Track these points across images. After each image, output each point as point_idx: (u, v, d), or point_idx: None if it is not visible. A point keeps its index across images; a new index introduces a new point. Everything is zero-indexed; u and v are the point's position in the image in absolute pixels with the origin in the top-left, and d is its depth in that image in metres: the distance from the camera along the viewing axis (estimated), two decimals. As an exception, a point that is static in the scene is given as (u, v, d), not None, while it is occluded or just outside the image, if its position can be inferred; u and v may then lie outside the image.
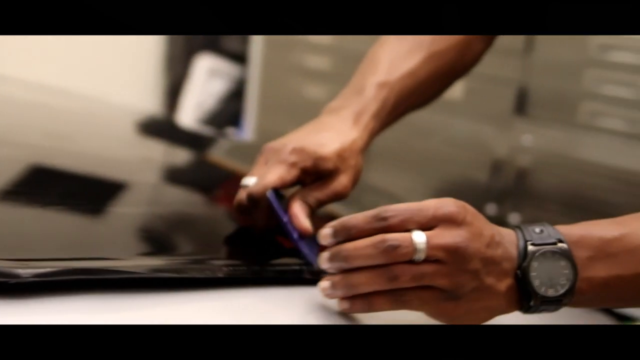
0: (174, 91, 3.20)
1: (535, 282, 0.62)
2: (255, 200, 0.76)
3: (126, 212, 0.97)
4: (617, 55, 2.23)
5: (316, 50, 2.82)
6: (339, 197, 0.79)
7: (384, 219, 0.59)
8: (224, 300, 0.68)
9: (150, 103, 3.21)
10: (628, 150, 2.21)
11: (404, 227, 0.59)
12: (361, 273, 0.59)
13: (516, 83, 2.40)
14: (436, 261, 0.60)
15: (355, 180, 0.80)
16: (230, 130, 3.03)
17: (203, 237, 0.94)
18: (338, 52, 2.76)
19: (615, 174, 2.24)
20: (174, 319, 0.64)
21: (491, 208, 2.46)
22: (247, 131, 2.97)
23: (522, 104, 2.42)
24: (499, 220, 2.55)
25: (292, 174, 0.77)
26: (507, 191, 2.43)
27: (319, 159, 0.78)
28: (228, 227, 0.95)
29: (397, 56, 0.84)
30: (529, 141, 2.39)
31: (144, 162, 1.30)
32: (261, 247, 0.81)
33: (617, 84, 2.21)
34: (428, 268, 0.59)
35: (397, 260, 0.59)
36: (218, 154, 1.61)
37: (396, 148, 2.63)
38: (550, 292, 0.62)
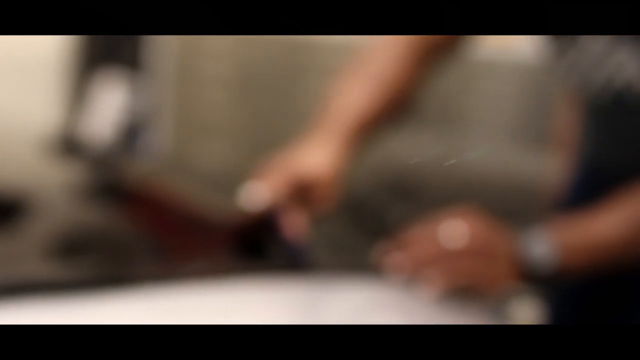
0: (76, 103, 3.16)
1: (532, 264, 0.87)
2: (256, 213, 0.88)
3: (35, 230, 0.99)
4: (500, 62, 2.35)
5: (218, 56, 2.84)
6: (323, 212, 0.93)
7: (416, 232, 0.85)
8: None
9: (52, 115, 3.16)
10: (510, 156, 2.34)
11: (432, 235, 0.84)
12: (430, 261, 0.84)
13: None
14: (463, 247, 0.85)
15: (337, 198, 0.94)
16: (136, 141, 3.01)
17: (122, 254, 0.97)
18: (240, 59, 2.80)
19: (498, 178, 2.35)
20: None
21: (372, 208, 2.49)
22: (154, 141, 2.97)
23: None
24: (380, 216, 2.58)
25: (287, 190, 0.90)
26: (386, 193, 2.50)
27: (308, 179, 0.91)
28: (149, 244, 1.02)
29: (355, 94, 0.99)
30: (411, 147, 2.45)
31: (49, 179, 1.30)
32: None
33: (500, 91, 2.35)
34: (458, 250, 0.85)
35: (436, 250, 0.84)
36: (126, 167, 1.61)
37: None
38: (543, 271, 0.87)
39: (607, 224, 0.91)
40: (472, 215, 0.87)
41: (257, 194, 0.89)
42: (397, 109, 1.02)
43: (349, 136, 0.96)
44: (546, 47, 1.13)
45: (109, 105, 3.08)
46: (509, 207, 2.27)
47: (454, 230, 0.85)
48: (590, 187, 1.25)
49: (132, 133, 3.11)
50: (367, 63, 1.02)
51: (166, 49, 2.91)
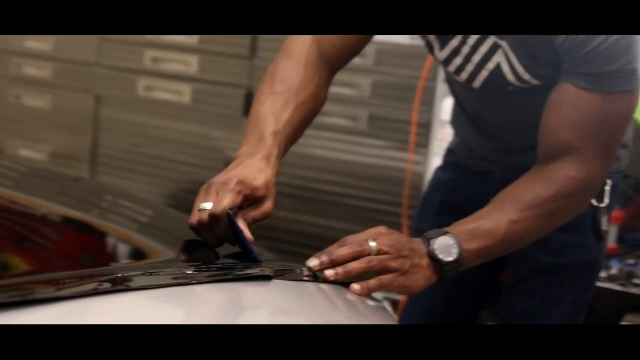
0: None
1: (440, 255, 1.08)
2: (218, 219, 1.02)
3: None
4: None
5: (35, 58, 2.72)
6: (267, 216, 1.08)
7: (345, 241, 1.04)
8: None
9: None
10: (348, 145, 2.35)
11: (362, 242, 1.04)
12: (354, 264, 1.02)
13: (244, 87, 2.46)
14: (386, 254, 1.04)
15: (274, 201, 1.09)
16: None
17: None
18: (58, 61, 2.68)
19: (337, 167, 2.36)
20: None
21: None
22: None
23: (250, 107, 2.44)
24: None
25: (239, 199, 1.04)
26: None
27: (255, 189, 1.05)
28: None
29: (277, 110, 1.14)
30: None
31: None
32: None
33: (338, 84, 2.32)
34: (383, 257, 1.04)
35: (365, 255, 1.03)
36: None
37: (126, 154, 2.63)
38: (449, 259, 1.08)
39: (491, 216, 1.13)
40: (387, 230, 1.06)
41: (222, 203, 1.02)
42: (310, 114, 1.19)
43: (277, 148, 1.11)
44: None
45: None
46: (373, 197, 2.32)
47: (378, 241, 1.04)
48: (457, 167, 1.45)
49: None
50: (279, 76, 1.18)
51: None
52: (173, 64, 2.54)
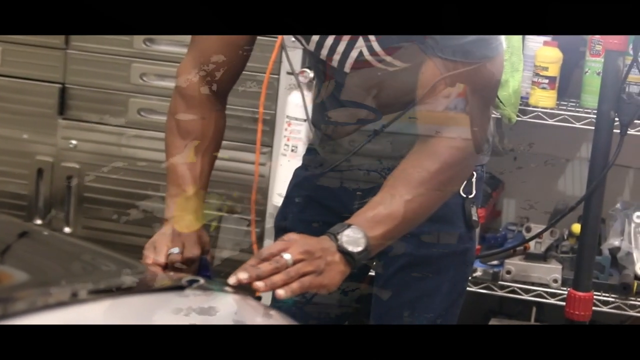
0: None
1: (349, 248, 1.18)
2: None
3: None
4: (163, 48, 2.17)
5: None
6: (208, 248, 1.37)
7: (262, 254, 1.17)
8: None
9: None
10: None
11: (277, 253, 1.16)
12: (277, 277, 1.14)
13: (58, 82, 2.22)
14: (301, 261, 1.16)
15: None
16: None
17: None
18: None
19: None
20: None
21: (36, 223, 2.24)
22: None
23: (64, 105, 2.23)
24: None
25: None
26: (56, 200, 2.27)
27: (206, 242, 1.34)
28: None
29: (191, 164, 1.34)
30: (75, 144, 2.23)
31: None
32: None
33: (165, 77, 2.14)
34: (299, 265, 1.15)
35: (283, 268, 1.15)
36: None
37: None
38: (358, 249, 1.19)
39: (387, 200, 1.22)
40: (296, 235, 1.19)
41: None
42: (216, 150, 1.37)
43: (202, 205, 1.35)
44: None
45: None
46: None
47: (291, 251, 1.15)
48: (319, 164, 1.50)
49: None
50: (182, 126, 1.35)
51: None
52: (-33, 55, 2.24)
